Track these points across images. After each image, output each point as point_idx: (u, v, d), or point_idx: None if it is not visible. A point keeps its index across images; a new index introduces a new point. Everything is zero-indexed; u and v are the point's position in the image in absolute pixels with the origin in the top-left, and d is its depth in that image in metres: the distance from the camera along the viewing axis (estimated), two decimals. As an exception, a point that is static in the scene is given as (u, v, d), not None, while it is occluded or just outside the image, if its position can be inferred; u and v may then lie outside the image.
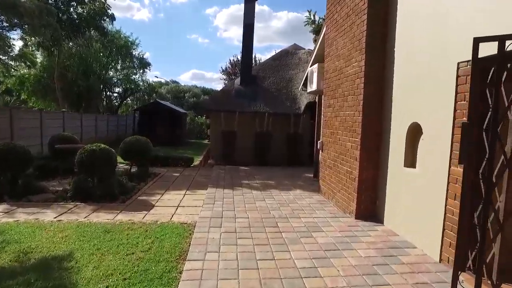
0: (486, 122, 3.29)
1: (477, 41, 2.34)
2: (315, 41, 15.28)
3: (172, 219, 5.20)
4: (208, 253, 3.85)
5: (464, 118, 3.43)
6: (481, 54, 2.98)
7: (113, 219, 5.08)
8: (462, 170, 3.42)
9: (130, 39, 27.48)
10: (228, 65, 30.83)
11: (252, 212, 5.61)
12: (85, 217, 5.16)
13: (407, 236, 4.40)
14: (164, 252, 3.84)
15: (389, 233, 4.65)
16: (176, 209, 5.90)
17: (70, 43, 17.54)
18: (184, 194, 7.05)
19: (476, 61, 2.41)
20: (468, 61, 3.41)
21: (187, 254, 3.81)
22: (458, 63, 3.53)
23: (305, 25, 14.92)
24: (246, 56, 13.19)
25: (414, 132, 4.45)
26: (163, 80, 50.66)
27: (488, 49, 2.65)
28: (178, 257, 3.75)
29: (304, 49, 14.35)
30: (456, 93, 3.55)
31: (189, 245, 4.07)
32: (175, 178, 8.87)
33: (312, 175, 9.37)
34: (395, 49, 4.80)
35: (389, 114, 4.95)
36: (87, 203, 5.98)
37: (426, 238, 4.01)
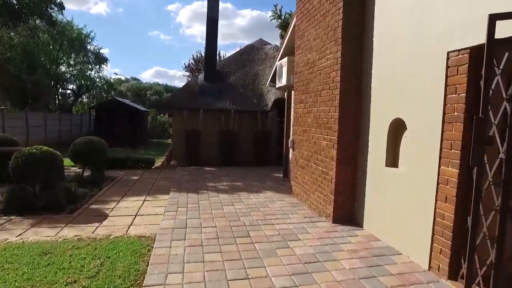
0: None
1: (494, 18, 1.97)
2: (281, 36, 14.93)
3: (128, 232, 4.50)
4: (170, 275, 3.24)
5: (456, 113, 3.12)
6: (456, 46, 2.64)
7: (55, 236, 4.28)
8: (454, 170, 3.11)
9: (84, 32, 25.59)
10: (192, 61, 29.57)
11: (220, 220, 5.04)
12: (19, 235, 4.31)
13: (390, 241, 4.08)
14: (116, 277, 3.18)
15: (370, 238, 4.30)
16: (134, 219, 5.19)
17: (12, 33, 15.73)
18: (144, 200, 6.32)
19: (491, 42, 2.04)
20: (459, 50, 3.09)
21: (144, 278, 3.17)
22: (448, 53, 3.21)
23: (271, 20, 14.53)
24: (210, 51, 12.51)
25: (397, 129, 4.13)
26: (123, 77, 48.27)
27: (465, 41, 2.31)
28: (133, 282, 3.11)
29: (271, 44, 13.94)
30: (446, 85, 3.23)
31: (147, 265, 3.43)
32: (134, 182, 8.06)
33: (281, 175, 8.97)
34: (373, 39, 4.45)
35: (368, 109, 4.61)
36: (26, 216, 5.08)
37: (412, 243, 3.69)
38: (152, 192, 7.05)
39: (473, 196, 2.40)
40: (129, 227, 4.75)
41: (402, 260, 3.67)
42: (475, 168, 2.38)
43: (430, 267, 3.41)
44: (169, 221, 4.92)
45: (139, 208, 5.77)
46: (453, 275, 3.20)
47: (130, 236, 4.26)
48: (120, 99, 24.67)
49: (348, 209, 4.94)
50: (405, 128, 3.90)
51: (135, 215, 5.36)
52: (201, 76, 12.46)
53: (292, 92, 7.51)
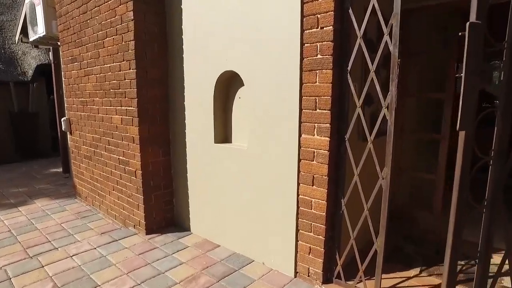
0: (352, 59, 2.07)
1: None
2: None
3: None
4: None
5: (320, 56, 2.05)
6: None
7: None
8: (323, 139, 2.09)
9: None
10: None
11: None
12: None
13: (233, 245, 2.85)
14: None
15: (206, 247, 2.93)
16: None
17: None
18: None
19: None
20: (318, -42, 1.99)
21: None
22: (302, -37, 2.06)
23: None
24: None
25: (228, 87, 2.81)
26: None
27: None
28: None
29: (21, -11, 9.61)
30: (302, 16, 2.09)
31: None
32: None
33: (61, 170, 6.21)
34: (180, -48, 2.85)
35: (181, 61, 3.05)
36: None
37: (266, 244, 2.58)
38: None
39: (459, 176, 1.37)
40: None
41: (258, 271, 2.51)
42: (466, 129, 1.30)
43: (296, 272, 2.41)
44: None
45: None
46: (329, 278, 2.31)
47: None
48: None
49: (166, 209, 3.37)
50: (241, 85, 2.64)
51: None
52: None
53: (60, 47, 4.90)
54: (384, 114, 1.89)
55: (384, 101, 1.87)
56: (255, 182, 2.56)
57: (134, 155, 3.21)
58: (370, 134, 1.97)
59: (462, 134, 1.32)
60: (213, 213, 3.00)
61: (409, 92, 3.08)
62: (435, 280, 2.23)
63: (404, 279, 2.26)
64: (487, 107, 5.90)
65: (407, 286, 2.18)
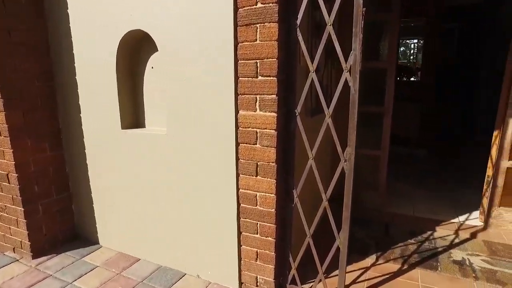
0: (302, 9, 1.57)
1: None
2: None
3: None
4: None
5: (260, 4, 1.52)
6: None
7: None
8: (269, 115, 1.60)
9: None
10: None
11: None
12: None
13: (157, 256, 2.22)
14: None
15: (121, 264, 2.23)
16: None
17: None
18: None
19: None
20: None
21: None
22: None
23: None
24: None
25: (136, 53, 2.08)
26: None
27: None
28: None
29: None
30: None
31: None
32: None
33: None
34: None
35: (66, 20, 2.17)
36: None
37: (201, 252, 2.02)
38: None
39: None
40: None
41: (194, 287, 1.96)
42: None
43: (241, 283, 1.93)
44: None
45: None
46: (282, 285, 1.88)
47: None
48: None
49: (63, 220, 2.51)
50: (155, 50, 1.95)
51: None
52: None
53: None
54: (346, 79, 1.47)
55: (346, 63, 1.45)
56: (180, 176, 1.95)
57: (3, 153, 2.26)
58: (328, 107, 1.54)
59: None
60: (128, 218, 2.29)
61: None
62: (393, 267, 2.00)
63: (362, 270, 1.98)
64: (406, 82, 6.24)
65: (367, 279, 1.90)
